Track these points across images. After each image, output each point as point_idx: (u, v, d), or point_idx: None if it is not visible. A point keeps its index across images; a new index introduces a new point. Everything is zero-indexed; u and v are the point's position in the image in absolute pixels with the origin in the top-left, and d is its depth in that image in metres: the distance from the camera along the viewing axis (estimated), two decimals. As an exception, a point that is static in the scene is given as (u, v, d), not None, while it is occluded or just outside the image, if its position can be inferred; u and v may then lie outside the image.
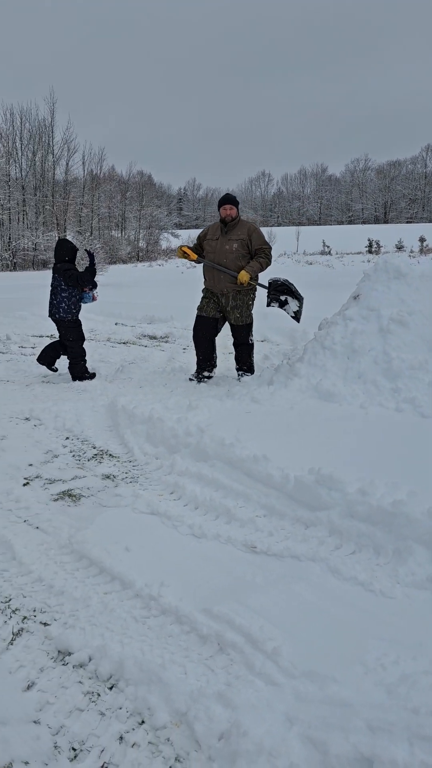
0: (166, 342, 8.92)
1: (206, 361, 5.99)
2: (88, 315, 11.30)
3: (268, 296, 6.08)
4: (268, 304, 6.12)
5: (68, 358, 6.36)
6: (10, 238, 37.08)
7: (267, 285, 6.00)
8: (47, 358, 6.42)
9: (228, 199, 5.78)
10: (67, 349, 6.36)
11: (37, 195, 40.14)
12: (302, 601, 2.38)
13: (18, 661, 2.14)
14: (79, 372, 6.30)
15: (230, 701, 1.85)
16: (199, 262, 5.96)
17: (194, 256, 5.88)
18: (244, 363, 6.05)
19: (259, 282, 5.87)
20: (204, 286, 6.00)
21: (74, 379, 6.28)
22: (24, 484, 3.66)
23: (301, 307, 6.02)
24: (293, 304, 5.98)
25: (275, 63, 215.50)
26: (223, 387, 5.56)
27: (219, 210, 5.81)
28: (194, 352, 6.13)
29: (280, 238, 42.39)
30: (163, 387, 5.83)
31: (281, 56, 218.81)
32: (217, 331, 6.04)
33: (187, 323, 10.16)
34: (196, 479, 3.50)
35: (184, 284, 17.42)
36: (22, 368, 6.99)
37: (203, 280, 6.02)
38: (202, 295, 6.04)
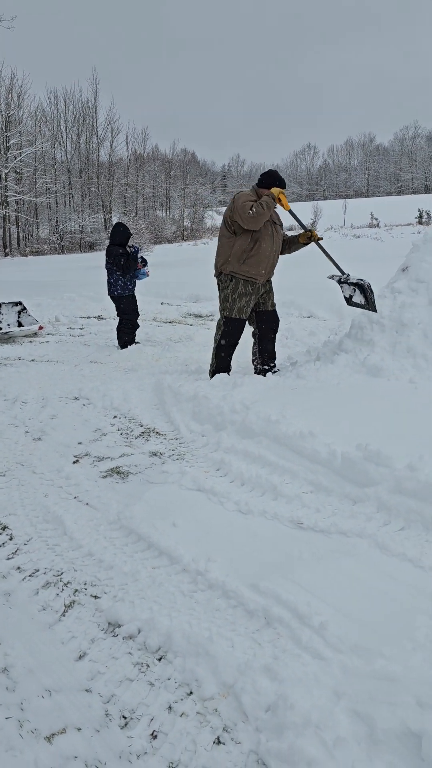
0: (211, 320, 8.91)
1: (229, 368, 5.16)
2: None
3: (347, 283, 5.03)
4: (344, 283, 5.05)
5: (118, 329, 7.06)
6: (57, 222, 37.60)
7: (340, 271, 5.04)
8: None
9: (284, 184, 4.93)
10: (121, 320, 7.02)
11: (82, 177, 40.50)
12: (349, 576, 2.36)
13: (70, 632, 2.20)
14: (123, 341, 7.01)
15: (277, 674, 1.86)
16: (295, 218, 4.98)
17: (287, 206, 4.82)
18: (274, 356, 5.26)
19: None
20: (236, 276, 4.90)
21: (121, 347, 7.00)
22: (74, 462, 3.74)
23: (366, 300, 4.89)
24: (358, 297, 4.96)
25: (323, 28, 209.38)
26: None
27: (266, 188, 4.84)
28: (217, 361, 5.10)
29: (326, 212, 41.57)
30: (208, 365, 5.84)
31: (330, 19, 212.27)
32: None
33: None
34: (242, 456, 3.50)
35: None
36: (71, 349, 7.12)
37: (239, 266, 4.86)
38: (232, 288, 4.94)
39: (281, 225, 5.12)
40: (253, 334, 5.29)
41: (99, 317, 9.54)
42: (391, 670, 1.81)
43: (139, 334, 7.89)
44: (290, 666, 1.91)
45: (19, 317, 8.25)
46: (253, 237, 4.82)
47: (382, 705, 1.69)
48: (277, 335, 5.34)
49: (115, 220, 39.55)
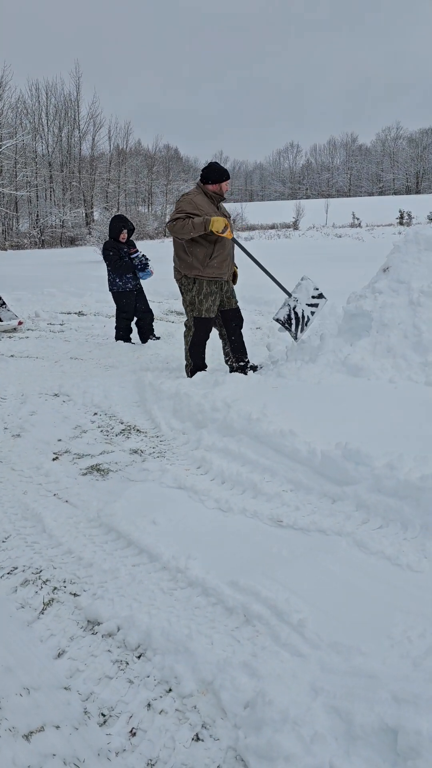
0: (193, 317, 8.90)
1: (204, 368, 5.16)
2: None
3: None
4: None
5: (115, 326, 7.18)
6: (38, 216, 37.25)
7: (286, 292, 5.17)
8: (143, 333, 7.14)
9: (229, 174, 4.94)
10: (117, 316, 7.11)
11: (63, 171, 40.15)
12: (328, 574, 2.38)
13: (49, 630, 2.20)
14: (117, 336, 7.12)
15: (256, 671, 1.88)
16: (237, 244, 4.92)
17: (230, 235, 4.78)
18: (245, 351, 5.28)
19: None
20: (200, 278, 4.87)
21: (116, 338, 7.16)
22: (53, 459, 3.72)
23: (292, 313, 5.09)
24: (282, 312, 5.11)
25: (307, 25, 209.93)
26: (251, 360, 5.54)
27: (215, 183, 4.85)
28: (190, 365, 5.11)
29: (308, 210, 41.73)
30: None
31: (314, 17, 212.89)
32: None
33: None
34: (222, 454, 3.51)
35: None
36: (51, 345, 7.07)
37: (202, 270, 4.83)
38: (196, 290, 4.90)
39: (230, 216, 5.11)
40: (221, 336, 5.27)
41: (80, 313, 9.48)
42: (368, 667, 1.83)
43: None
44: (269, 663, 1.92)
45: (-2, 312, 8.16)
46: (210, 239, 4.78)
47: (360, 701, 1.71)
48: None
49: (96, 216, 39.31)
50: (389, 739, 1.62)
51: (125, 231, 6.93)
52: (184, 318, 7.97)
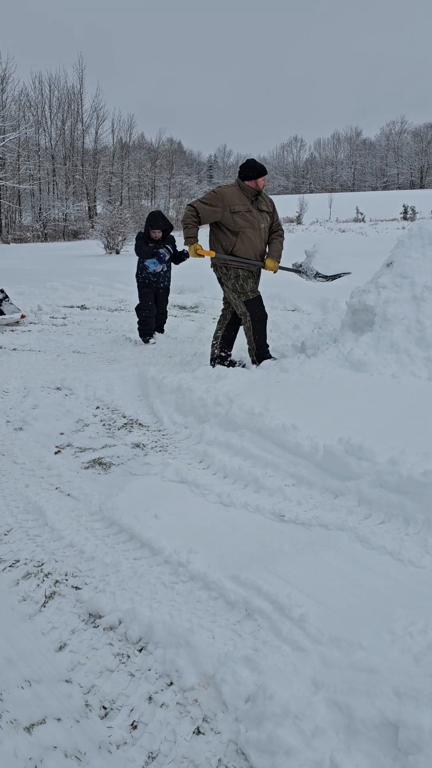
0: (195, 312, 8.90)
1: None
2: (116, 285, 11.35)
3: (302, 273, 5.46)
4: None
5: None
6: (40, 209, 37.19)
7: (297, 269, 5.46)
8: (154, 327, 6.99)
9: (266, 170, 5.06)
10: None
11: (66, 165, 40.03)
12: (330, 569, 2.38)
13: (50, 623, 2.20)
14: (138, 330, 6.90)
15: (257, 665, 1.88)
16: (222, 260, 5.01)
17: (212, 254, 5.01)
18: (232, 342, 5.37)
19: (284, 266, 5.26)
20: (237, 267, 5.02)
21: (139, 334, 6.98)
22: (55, 453, 3.72)
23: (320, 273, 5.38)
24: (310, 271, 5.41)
25: (312, 19, 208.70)
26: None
27: (250, 180, 4.95)
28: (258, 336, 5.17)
29: (312, 205, 41.60)
30: (192, 356, 5.83)
31: (319, 10, 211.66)
32: None
33: (215, 293, 10.13)
34: (224, 448, 3.51)
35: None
36: (53, 338, 7.07)
37: (223, 260, 4.99)
38: (234, 276, 5.04)
39: (270, 212, 5.14)
40: (222, 318, 5.36)
41: (82, 307, 9.48)
42: (370, 662, 1.83)
43: (123, 325, 7.86)
44: (270, 657, 1.93)
45: (0, 305, 8.16)
46: (232, 231, 4.94)
47: (361, 695, 1.71)
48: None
49: (99, 209, 39.22)
50: (390, 734, 1.62)
51: (156, 231, 6.65)
52: (187, 313, 7.88)
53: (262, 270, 5.14)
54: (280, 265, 5.14)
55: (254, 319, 5.13)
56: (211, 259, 5.14)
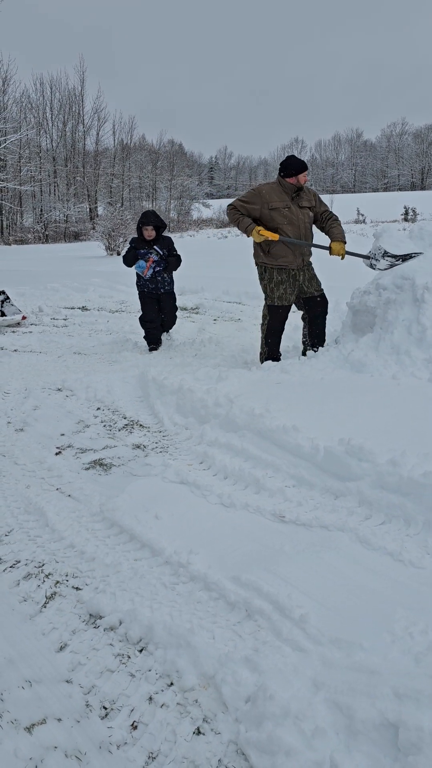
0: (196, 313, 8.90)
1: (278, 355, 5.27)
2: (117, 286, 11.35)
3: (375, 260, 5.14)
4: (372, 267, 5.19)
5: None
6: (41, 211, 37.20)
7: (367, 255, 5.18)
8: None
9: (306, 166, 4.99)
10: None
11: (67, 166, 40.05)
12: (330, 569, 2.38)
13: (51, 624, 2.20)
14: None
15: (257, 666, 1.88)
16: (287, 243, 4.93)
17: (275, 236, 4.85)
18: (324, 338, 5.33)
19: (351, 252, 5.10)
20: (268, 266, 5.06)
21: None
22: (56, 453, 3.72)
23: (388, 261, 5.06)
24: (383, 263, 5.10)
25: (313, 20, 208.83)
26: (251, 355, 5.55)
27: (291, 177, 4.92)
28: (265, 344, 5.21)
29: (312, 206, 41.47)
30: (192, 358, 5.84)
31: (320, 11, 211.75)
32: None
33: (216, 294, 10.14)
34: (225, 449, 3.51)
35: (212, 255, 17.30)
36: (54, 339, 7.07)
37: (265, 257, 5.03)
38: (267, 278, 5.08)
39: (314, 206, 5.13)
40: (303, 318, 5.40)
41: (83, 308, 9.48)
42: (370, 662, 1.83)
43: (124, 327, 7.86)
44: (270, 657, 1.93)
45: (1, 307, 8.16)
46: (269, 227, 4.93)
47: (361, 696, 1.71)
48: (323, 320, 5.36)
49: (100, 211, 39.24)
50: (390, 735, 1.62)
51: (148, 228, 6.32)
52: (187, 314, 7.88)
53: (330, 256, 5.05)
54: (347, 250, 5.04)
55: (269, 327, 5.18)
56: (254, 255, 5.16)
